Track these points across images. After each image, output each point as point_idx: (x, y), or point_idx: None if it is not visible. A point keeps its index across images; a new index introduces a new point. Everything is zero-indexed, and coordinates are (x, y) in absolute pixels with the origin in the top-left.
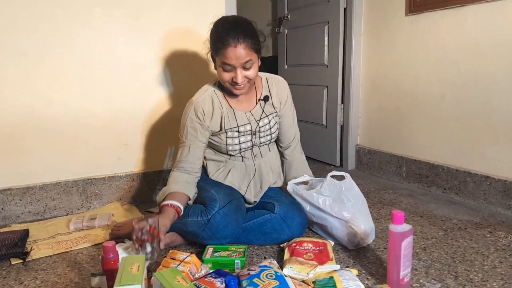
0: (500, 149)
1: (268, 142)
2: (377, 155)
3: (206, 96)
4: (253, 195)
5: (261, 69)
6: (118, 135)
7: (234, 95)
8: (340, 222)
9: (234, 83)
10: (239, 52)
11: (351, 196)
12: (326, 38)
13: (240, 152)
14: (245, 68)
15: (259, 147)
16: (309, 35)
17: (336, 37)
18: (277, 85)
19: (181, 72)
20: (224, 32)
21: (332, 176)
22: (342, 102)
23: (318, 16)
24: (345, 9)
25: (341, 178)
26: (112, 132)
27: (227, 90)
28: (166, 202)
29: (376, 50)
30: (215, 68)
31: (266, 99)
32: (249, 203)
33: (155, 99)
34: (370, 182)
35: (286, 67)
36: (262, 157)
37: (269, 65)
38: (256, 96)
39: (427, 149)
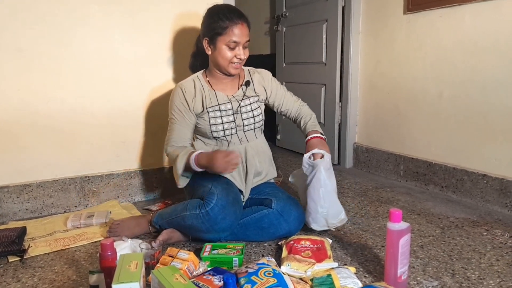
0: (497, 147)
1: (252, 127)
2: (375, 153)
3: (189, 80)
4: (242, 179)
5: (260, 66)
6: (115, 133)
7: (228, 75)
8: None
9: (236, 60)
10: (245, 29)
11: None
12: (324, 36)
13: (225, 136)
14: (244, 47)
15: (243, 131)
16: (307, 33)
17: (334, 35)
18: (258, 73)
19: (179, 68)
20: (230, 13)
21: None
22: (340, 101)
23: (316, 14)
24: (343, 7)
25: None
26: (109, 130)
27: (221, 71)
28: (194, 153)
29: (374, 48)
30: (210, 52)
31: (247, 83)
32: (242, 193)
33: (153, 96)
34: (367, 180)
35: (284, 65)
36: (248, 141)
37: (267, 63)
38: (239, 83)
39: (424, 148)
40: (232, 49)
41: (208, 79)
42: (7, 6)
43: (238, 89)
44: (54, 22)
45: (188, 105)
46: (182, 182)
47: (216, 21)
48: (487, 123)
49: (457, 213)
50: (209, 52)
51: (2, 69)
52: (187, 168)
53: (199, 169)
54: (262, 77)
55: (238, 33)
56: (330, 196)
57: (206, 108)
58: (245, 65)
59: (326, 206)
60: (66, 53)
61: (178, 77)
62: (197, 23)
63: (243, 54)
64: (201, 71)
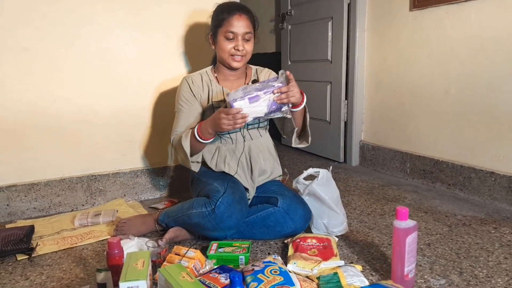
0: (505, 144)
1: (256, 125)
2: (381, 151)
3: (197, 73)
4: (247, 177)
5: (265, 65)
6: (121, 132)
7: (231, 69)
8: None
9: (235, 52)
10: (242, 20)
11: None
12: (329, 33)
13: (229, 133)
14: (245, 39)
15: (247, 129)
16: (313, 31)
17: (340, 33)
18: (265, 73)
19: (184, 67)
20: (230, 5)
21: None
22: (346, 98)
23: (321, 12)
24: (348, 4)
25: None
26: (116, 129)
27: (225, 65)
28: (195, 127)
29: (380, 45)
30: (214, 46)
31: (254, 82)
32: (248, 191)
33: (158, 95)
34: (374, 178)
35: (289, 63)
36: (252, 139)
37: (273, 61)
38: (246, 81)
39: (431, 145)
40: (230, 40)
41: (216, 74)
42: (11, 6)
43: None
44: (59, 21)
45: (195, 96)
46: (193, 166)
47: (217, 15)
48: (494, 120)
49: (464, 211)
50: (213, 47)
51: (8, 69)
52: (196, 146)
53: (205, 140)
54: (268, 76)
55: (235, 23)
56: (329, 210)
57: (212, 103)
58: (250, 63)
59: (326, 218)
60: (71, 53)
61: (184, 75)
62: (201, 21)
63: (241, 45)
64: (210, 67)
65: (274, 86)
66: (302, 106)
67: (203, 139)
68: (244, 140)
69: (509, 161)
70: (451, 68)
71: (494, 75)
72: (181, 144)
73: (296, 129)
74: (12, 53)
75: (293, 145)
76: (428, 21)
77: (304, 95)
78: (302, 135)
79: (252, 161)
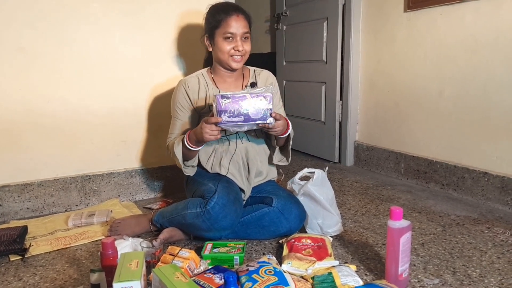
0: (498, 145)
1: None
2: (376, 151)
3: (193, 76)
4: (243, 178)
5: (260, 65)
6: (116, 132)
7: (230, 70)
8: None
9: (234, 53)
10: (241, 21)
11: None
12: (324, 34)
13: (226, 135)
14: (244, 38)
15: (244, 131)
16: (308, 31)
17: (335, 34)
18: (263, 75)
19: (181, 68)
20: (225, 6)
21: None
22: (341, 99)
23: (316, 13)
24: (343, 5)
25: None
26: (111, 129)
27: (224, 66)
28: (186, 134)
29: (374, 46)
30: (211, 48)
31: (252, 85)
32: (243, 192)
33: (154, 95)
34: (368, 178)
35: (284, 63)
36: (249, 141)
37: (268, 61)
38: (243, 83)
39: (425, 146)
40: (229, 41)
41: (212, 76)
42: (8, 5)
43: (242, 89)
44: (56, 21)
45: (191, 101)
46: (188, 171)
47: (213, 16)
48: (488, 121)
49: (458, 211)
50: (210, 49)
51: (3, 68)
52: (188, 153)
53: (194, 148)
54: (267, 79)
55: (233, 24)
56: (324, 210)
57: (209, 106)
58: (245, 64)
59: (321, 218)
60: (67, 52)
61: (179, 76)
62: (199, 21)
63: (241, 45)
64: (206, 68)
65: (261, 119)
66: (285, 136)
67: (192, 147)
68: (242, 142)
69: (502, 162)
70: (445, 69)
71: (489, 76)
72: (173, 150)
73: (277, 147)
74: (8, 52)
75: (274, 161)
76: (422, 22)
77: (290, 125)
78: (282, 153)
79: (250, 163)
